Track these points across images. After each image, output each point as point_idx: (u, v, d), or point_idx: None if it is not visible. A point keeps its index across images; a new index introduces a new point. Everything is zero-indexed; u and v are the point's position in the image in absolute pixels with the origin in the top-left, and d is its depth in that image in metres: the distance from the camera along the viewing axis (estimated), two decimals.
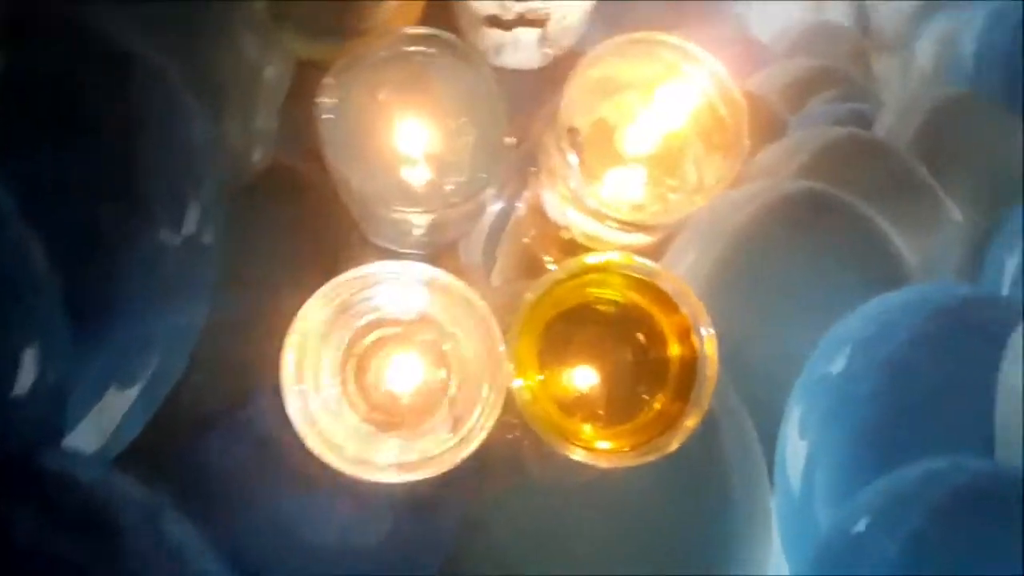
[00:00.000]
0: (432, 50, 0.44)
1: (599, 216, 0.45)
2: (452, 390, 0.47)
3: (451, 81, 0.44)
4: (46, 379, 0.41)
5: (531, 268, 0.55)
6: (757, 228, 0.53)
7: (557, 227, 0.52)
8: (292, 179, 0.52)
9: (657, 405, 0.47)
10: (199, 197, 0.50)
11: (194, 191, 0.50)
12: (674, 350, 0.47)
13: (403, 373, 0.46)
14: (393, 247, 0.49)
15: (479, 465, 0.50)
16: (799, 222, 0.55)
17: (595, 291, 0.48)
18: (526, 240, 0.56)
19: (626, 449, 0.44)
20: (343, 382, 0.45)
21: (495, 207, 0.54)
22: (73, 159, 0.48)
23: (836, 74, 0.61)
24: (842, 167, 0.57)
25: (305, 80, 0.53)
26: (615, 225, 0.45)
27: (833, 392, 0.54)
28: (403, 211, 0.41)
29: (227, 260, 0.50)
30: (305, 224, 0.51)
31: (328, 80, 0.42)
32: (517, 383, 0.44)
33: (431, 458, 0.44)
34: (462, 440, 0.44)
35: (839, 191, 0.56)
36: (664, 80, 0.44)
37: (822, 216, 0.56)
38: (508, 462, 0.51)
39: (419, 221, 0.42)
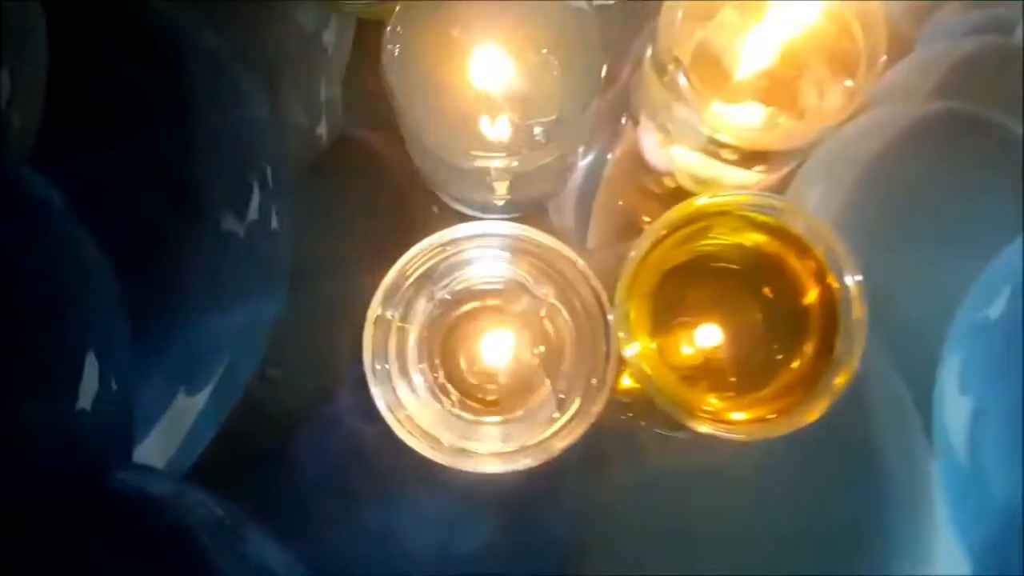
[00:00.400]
0: None
1: (712, 149, 0.39)
2: (554, 366, 0.41)
3: (532, 9, 0.38)
4: (109, 389, 0.38)
5: (630, 229, 0.49)
6: (894, 156, 0.46)
7: (659, 176, 0.46)
8: (362, 151, 0.48)
9: (795, 364, 0.41)
10: (263, 180, 0.46)
11: (257, 174, 0.46)
12: (810, 299, 0.40)
13: (497, 350, 0.40)
14: (477, 213, 0.44)
15: (593, 453, 0.44)
16: (942, 147, 0.47)
17: (710, 241, 0.42)
18: (621, 202, 0.50)
19: (765, 418, 0.38)
20: (432, 364, 0.40)
21: (585, 161, 0.48)
22: (125, 151, 0.44)
23: None
24: (984, 82, 0.49)
25: (367, 42, 0.48)
26: (731, 157, 0.39)
27: (995, 339, 0.46)
28: (486, 158, 0.35)
29: (298, 244, 0.46)
30: (380, 198, 0.46)
31: (394, 19, 0.36)
32: (630, 351, 0.38)
33: (535, 445, 0.38)
34: (569, 423, 0.39)
35: (984, 109, 0.48)
36: None
37: (967, 139, 0.48)
38: (626, 448, 0.45)
39: (504, 171, 0.36)
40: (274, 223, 0.46)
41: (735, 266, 0.42)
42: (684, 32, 0.40)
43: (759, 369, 0.41)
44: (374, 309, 0.38)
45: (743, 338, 0.41)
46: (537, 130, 0.37)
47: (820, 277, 0.39)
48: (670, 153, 0.43)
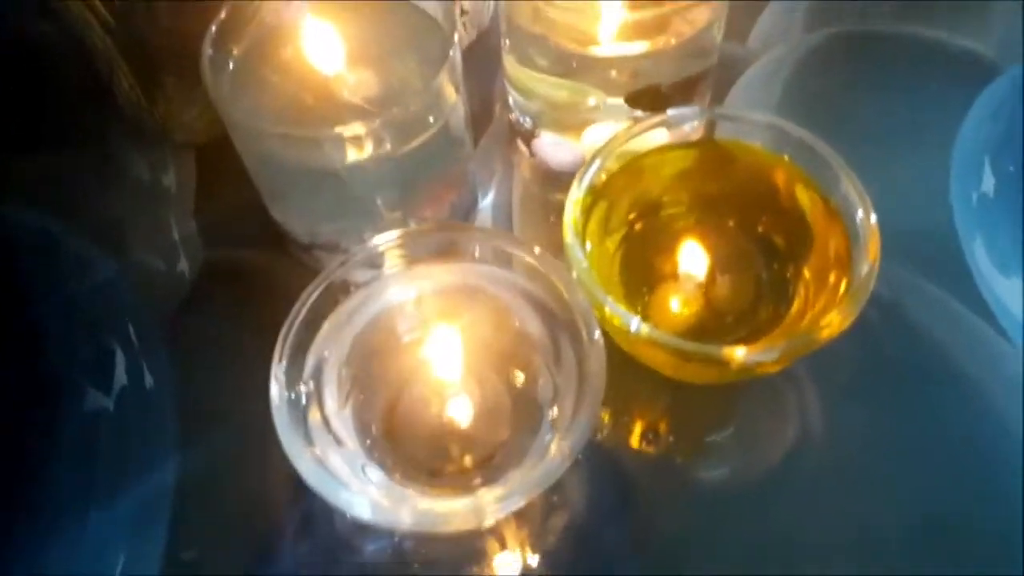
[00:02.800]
0: None
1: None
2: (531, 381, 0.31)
3: (366, 16, 0.34)
4: None
5: None
6: (804, 85, 0.42)
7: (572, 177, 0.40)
8: (234, 271, 0.41)
9: (806, 273, 0.33)
10: (125, 341, 0.38)
11: (117, 337, 0.38)
12: (786, 204, 0.33)
13: (452, 376, 0.31)
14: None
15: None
16: (844, 65, 0.44)
17: (648, 189, 0.35)
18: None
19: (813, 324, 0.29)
20: (379, 441, 0.30)
21: (487, 200, 0.42)
22: None
23: None
24: (850, 6, 0.48)
25: (211, 166, 0.43)
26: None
27: (1006, 209, 0.40)
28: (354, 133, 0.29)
29: (185, 393, 0.36)
30: (268, 308, 0.38)
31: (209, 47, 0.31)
32: (634, 324, 0.29)
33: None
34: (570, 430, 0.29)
35: (862, 25, 0.46)
36: None
37: (867, 51, 0.45)
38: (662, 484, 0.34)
39: (381, 160, 0.30)
40: (148, 381, 0.37)
41: (686, 208, 0.35)
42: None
43: (772, 291, 0.33)
44: (278, 387, 0.29)
45: (734, 267, 0.33)
46: (404, 105, 0.31)
47: (790, 181, 0.33)
48: (577, 143, 0.38)
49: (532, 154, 0.41)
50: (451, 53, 0.31)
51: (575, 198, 0.32)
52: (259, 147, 0.31)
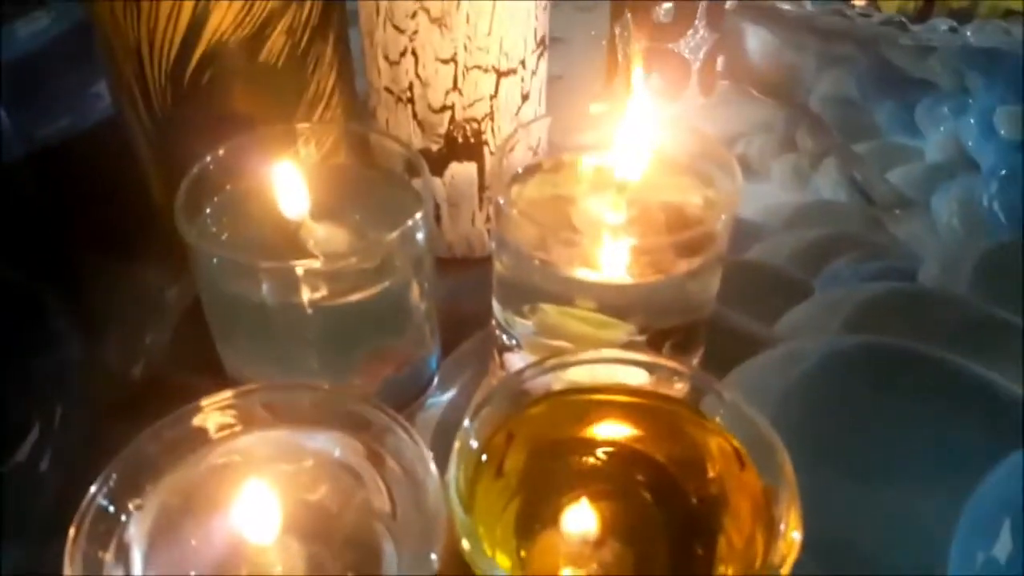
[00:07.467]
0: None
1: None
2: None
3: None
4: None
5: None
6: (816, 387, 0.38)
7: None
8: (181, 393, 0.40)
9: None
10: (47, 421, 0.38)
11: (43, 415, 0.38)
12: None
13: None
14: None
15: None
16: (870, 378, 0.40)
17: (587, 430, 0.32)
18: None
19: None
20: None
21: (446, 396, 0.40)
22: None
23: (852, 238, 0.51)
24: (899, 320, 0.44)
25: None
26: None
27: None
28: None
29: (69, 488, 0.35)
30: None
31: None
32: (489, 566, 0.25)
33: None
34: None
35: (908, 342, 0.42)
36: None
37: (902, 370, 0.41)
38: None
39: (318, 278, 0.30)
40: (44, 466, 0.36)
41: (613, 465, 0.31)
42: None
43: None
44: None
45: (643, 542, 0.29)
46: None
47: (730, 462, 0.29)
48: None
49: (503, 368, 0.40)
50: (409, 222, 0.31)
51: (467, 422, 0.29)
52: (205, 273, 0.32)
